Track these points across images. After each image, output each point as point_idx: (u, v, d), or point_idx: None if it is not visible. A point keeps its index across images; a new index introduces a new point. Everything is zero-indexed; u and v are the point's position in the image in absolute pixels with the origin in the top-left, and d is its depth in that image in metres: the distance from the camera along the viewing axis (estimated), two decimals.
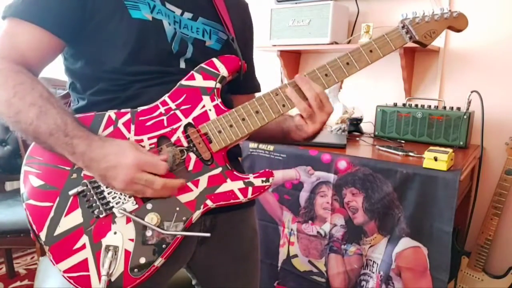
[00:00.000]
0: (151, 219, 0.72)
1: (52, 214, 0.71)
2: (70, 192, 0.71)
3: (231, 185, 0.76)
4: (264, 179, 0.77)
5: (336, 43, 1.89)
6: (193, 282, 0.97)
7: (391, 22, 1.94)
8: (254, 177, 0.77)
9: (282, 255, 1.59)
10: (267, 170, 0.79)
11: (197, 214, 0.75)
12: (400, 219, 1.32)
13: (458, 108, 1.60)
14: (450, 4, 1.79)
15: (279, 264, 1.60)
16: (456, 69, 1.83)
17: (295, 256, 1.55)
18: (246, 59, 0.94)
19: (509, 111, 1.72)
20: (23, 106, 0.66)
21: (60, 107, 0.69)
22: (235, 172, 0.78)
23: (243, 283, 0.95)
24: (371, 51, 0.80)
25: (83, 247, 0.71)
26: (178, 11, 0.80)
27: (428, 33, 0.83)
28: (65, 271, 0.71)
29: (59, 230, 0.71)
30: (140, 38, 0.75)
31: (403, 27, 0.83)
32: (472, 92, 1.52)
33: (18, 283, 2.05)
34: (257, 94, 1.00)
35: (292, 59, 2.22)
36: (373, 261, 1.39)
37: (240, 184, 0.77)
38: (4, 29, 0.71)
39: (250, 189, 0.77)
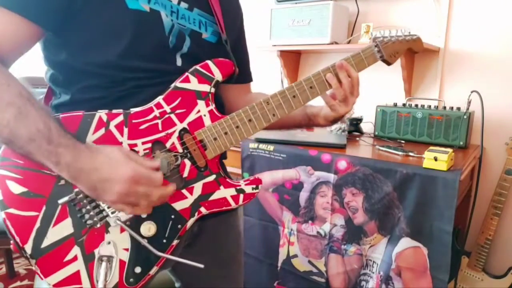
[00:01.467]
0: (149, 229, 0.71)
1: (38, 224, 0.66)
2: (60, 201, 0.66)
3: (224, 192, 0.78)
4: (254, 186, 0.80)
5: (336, 43, 1.89)
6: (177, 285, 0.97)
7: (391, 22, 1.94)
8: (245, 184, 0.79)
9: (282, 255, 1.59)
10: (256, 177, 0.82)
11: (191, 222, 0.75)
12: (400, 219, 1.32)
13: (458, 108, 1.60)
14: (450, 4, 1.79)
15: (279, 264, 1.60)
16: (456, 69, 1.84)
17: (295, 256, 1.55)
18: (239, 50, 0.94)
19: (509, 111, 1.72)
20: None
21: (42, 108, 0.63)
22: (227, 179, 0.78)
23: (228, 284, 0.95)
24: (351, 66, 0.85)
25: (75, 258, 0.68)
26: (174, 0, 0.77)
27: (393, 53, 0.90)
28: (55, 285, 0.67)
29: (46, 241, 0.66)
30: (138, 31, 0.70)
31: (376, 46, 0.88)
32: (472, 92, 1.52)
33: (18, 283, 2.06)
34: (253, 85, 1.03)
35: (292, 59, 2.21)
36: (373, 261, 1.39)
37: (232, 191, 0.78)
38: None
39: (241, 196, 0.79)
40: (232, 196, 0.78)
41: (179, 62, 0.78)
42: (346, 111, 0.85)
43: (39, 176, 0.66)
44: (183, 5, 0.78)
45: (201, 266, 0.74)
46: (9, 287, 2.02)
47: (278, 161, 1.54)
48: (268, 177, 1.55)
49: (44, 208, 0.66)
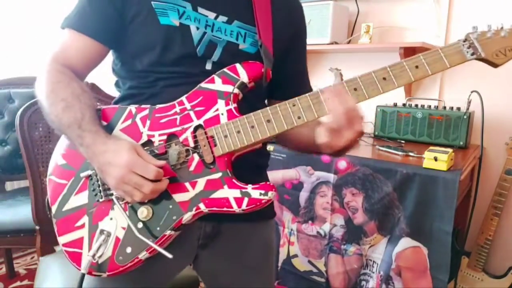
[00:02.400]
0: (142, 212, 0.74)
1: (65, 191, 0.79)
2: (81, 174, 0.78)
3: (227, 193, 0.74)
4: (262, 192, 0.73)
5: (336, 43, 1.89)
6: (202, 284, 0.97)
7: (391, 22, 1.94)
8: (253, 188, 0.74)
9: (282, 255, 1.59)
10: (268, 183, 0.75)
11: (187, 216, 0.74)
12: (400, 219, 1.32)
13: (458, 108, 1.60)
14: (450, 4, 1.79)
15: (279, 264, 1.60)
16: (456, 69, 1.83)
17: (295, 256, 1.55)
18: (291, 60, 0.92)
19: (509, 111, 1.72)
20: (55, 100, 0.74)
21: (86, 103, 0.75)
22: (234, 180, 0.75)
23: None
24: (417, 66, 0.71)
25: (83, 226, 0.77)
26: (212, 15, 0.81)
27: (502, 51, 0.70)
28: (63, 245, 0.78)
29: (67, 206, 0.78)
30: (166, 43, 0.79)
31: (465, 40, 0.71)
32: (472, 92, 1.52)
33: (18, 283, 2.06)
34: None
35: None
36: (373, 261, 1.39)
37: (236, 193, 0.74)
38: (62, 37, 0.83)
39: (245, 200, 0.73)
40: (235, 198, 0.73)
41: (208, 67, 0.82)
42: (339, 145, 0.70)
43: (76, 153, 0.78)
44: (222, 18, 0.82)
45: (170, 256, 0.72)
46: (9, 287, 2.02)
47: (278, 161, 1.54)
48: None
49: (72, 178, 0.79)
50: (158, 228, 0.74)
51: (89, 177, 0.78)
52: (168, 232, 0.74)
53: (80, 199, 0.78)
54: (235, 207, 0.74)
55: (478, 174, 1.58)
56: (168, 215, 0.74)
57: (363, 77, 0.71)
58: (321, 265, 1.50)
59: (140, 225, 0.74)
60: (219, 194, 0.74)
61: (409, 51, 1.81)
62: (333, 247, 1.46)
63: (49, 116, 0.76)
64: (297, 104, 0.74)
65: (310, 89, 0.96)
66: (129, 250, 0.75)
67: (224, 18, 0.82)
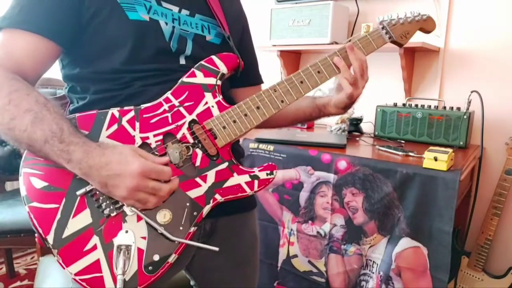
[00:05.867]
0: (164, 215, 0.73)
1: (59, 216, 0.69)
2: (78, 192, 0.69)
3: (238, 179, 0.79)
4: (268, 172, 0.81)
5: (336, 43, 1.89)
6: (192, 282, 0.97)
7: None
8: (259, 171, 0.80)
9: (282, 255, 1.59)
10: (270, 163, 0.82)
11: (207, 209, 0.77)
12: (400, 219, 1.32)
13: (458, 108, 1.60)
14: (450, 4, 1.79)
15: (279, 264, 1.60)
16: (456, 69, 1.84)
17: (295, 256, 1.55)
18: (245, 52, 0.96)
19: (509, 111, 1.72)
20: (18, 113, 0.65)
21: (57, 112, 0.67)
22: (240, 167, 0.80)
23: (241, 286, 0.95)
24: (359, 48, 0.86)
25: (94, 247, 0.70)
26: (175, 9, 0.82)
27: (404, 34, 0.91)
28: (76, 274, 0.69)
29: (67, 232, 0.69)
30: (139, 39, 0.76)
31: (382, 28, 0.89)
32: (472, 92, 1.53)
33: (18, 283, 2.06)
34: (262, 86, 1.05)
35: (292, 59, 2.22)
36: (373, 261, 1.39)
37: (246, 177, 0.79)
38: (0, 41, 0.71)
39: (256, 182, 0.80)
40: (246, 183, 0.79)
41: (182, 62, 0.83)
42: (358, 94, 0.86)
43: (58, 171, 0.69)
44: (184, 12, 0.83)
45: (216, 249, 0.75)
46: (9, 287, 2.02)
47: (278, 161, 1.54)
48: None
49: (64, 200, 0.69)
50: (181, 228, 0.74)
51: (86, 193, 0.70)
52: (192, 229, 0.75)
53: (81, 220, 0.69)
54: (248, 191, 0.79)
55: (478, 174, 1.58)
56: (187, 212, 0.75)
57: (322, 61, 0.84)
58: (321, 265, 1.49)
59: (162, 229, 0.72)
60: (230, 182, 0.79)
61: (409, 51, 1.81)
62: (333, 247, 1.46)
63: (11, 132, 0.66)
64: (277, 90, 0.82)
65: (261, 80, 1.05)
66: (156, 257, 0.72)
67: (187, 12, 0.84)
